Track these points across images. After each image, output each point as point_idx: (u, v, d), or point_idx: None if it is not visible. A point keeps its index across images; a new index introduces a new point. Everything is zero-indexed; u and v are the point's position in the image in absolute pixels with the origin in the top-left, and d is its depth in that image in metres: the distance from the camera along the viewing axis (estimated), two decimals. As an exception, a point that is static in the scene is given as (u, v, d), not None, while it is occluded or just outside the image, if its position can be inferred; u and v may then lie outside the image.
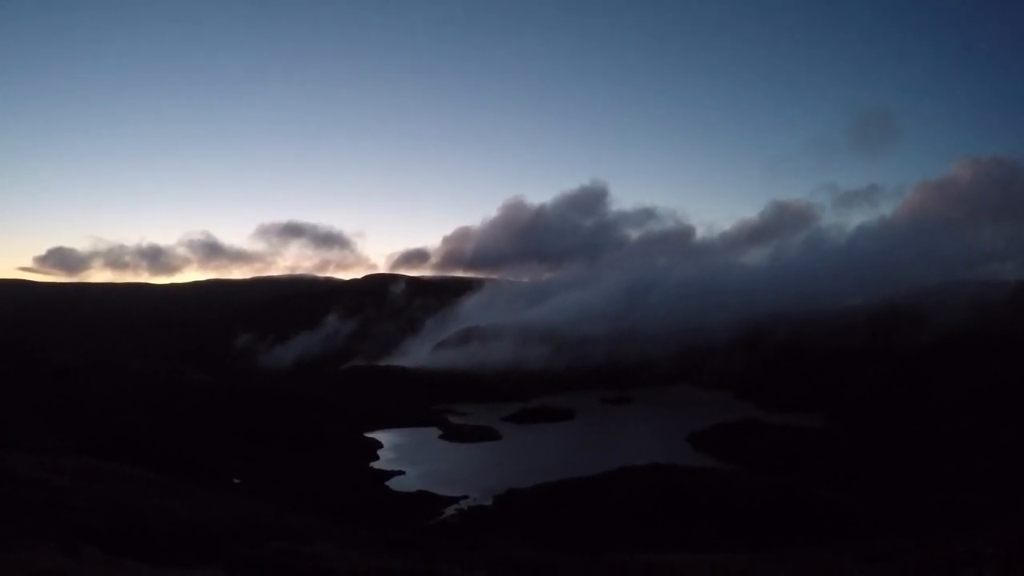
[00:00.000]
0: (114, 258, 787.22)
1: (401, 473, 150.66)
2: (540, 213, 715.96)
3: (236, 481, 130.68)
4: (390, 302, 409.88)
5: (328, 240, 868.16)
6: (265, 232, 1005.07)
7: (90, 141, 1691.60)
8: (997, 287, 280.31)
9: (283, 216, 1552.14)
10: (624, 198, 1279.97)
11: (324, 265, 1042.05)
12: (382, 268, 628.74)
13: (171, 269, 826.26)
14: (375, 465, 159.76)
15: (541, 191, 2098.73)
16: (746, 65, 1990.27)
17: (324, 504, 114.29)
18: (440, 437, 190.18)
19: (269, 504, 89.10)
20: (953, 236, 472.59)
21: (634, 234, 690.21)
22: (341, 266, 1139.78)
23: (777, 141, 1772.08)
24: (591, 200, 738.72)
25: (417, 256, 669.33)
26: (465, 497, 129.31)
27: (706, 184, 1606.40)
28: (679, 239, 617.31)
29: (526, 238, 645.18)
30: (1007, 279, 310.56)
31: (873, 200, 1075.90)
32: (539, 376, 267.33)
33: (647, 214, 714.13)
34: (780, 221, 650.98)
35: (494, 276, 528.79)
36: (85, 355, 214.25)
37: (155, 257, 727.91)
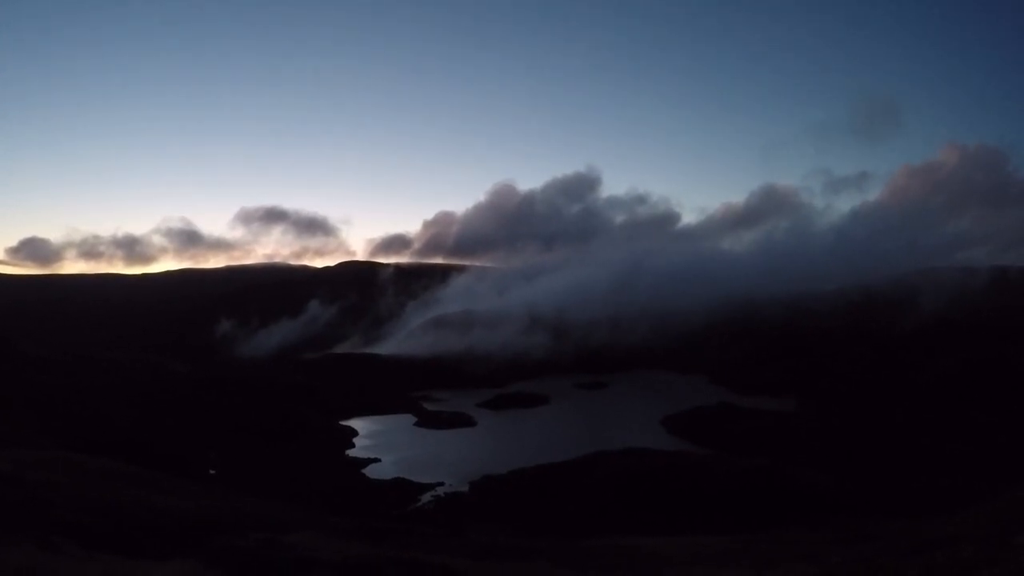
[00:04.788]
0: (88, 248, 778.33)
1: (377, 461, 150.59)
2: (527, 199, 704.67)
3: (212, 472, 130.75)
4: (369, 289, 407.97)
5: (311, 226, 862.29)
6: (246, 217, 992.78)
7: (62, 128, 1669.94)
8: (974, 273, 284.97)
9: (263, 202, 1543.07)
10: (617, 184, 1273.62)
11: (301, 253, 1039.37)
12: (361, 255, 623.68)
13: (147, 259, 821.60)
14: (351, 453, 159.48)
15: (535, 178, 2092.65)
16: (742, 52, 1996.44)
17: (302, 493, 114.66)
18: (415, 424, 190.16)
19: (247, 495, 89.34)
20: (934, 222, 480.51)
21: (623, 220, 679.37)
22: (319, 253, 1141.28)
23: (774, 128, 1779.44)
24: (582, 186, 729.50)
25: (398, 242, 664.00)
26: (441, 484, 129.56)
27: (703, 171, 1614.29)
28: (663, 225, 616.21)
29: (511, 224, 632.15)
30: (984, 264, 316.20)
31: (863, 187, 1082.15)
32: (514, 362, 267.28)
33: (639, 200, 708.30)
34: (766, 207, 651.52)
35: (476, 263, 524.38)
36: (60, 348, 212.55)
37: (131, 247, 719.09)
